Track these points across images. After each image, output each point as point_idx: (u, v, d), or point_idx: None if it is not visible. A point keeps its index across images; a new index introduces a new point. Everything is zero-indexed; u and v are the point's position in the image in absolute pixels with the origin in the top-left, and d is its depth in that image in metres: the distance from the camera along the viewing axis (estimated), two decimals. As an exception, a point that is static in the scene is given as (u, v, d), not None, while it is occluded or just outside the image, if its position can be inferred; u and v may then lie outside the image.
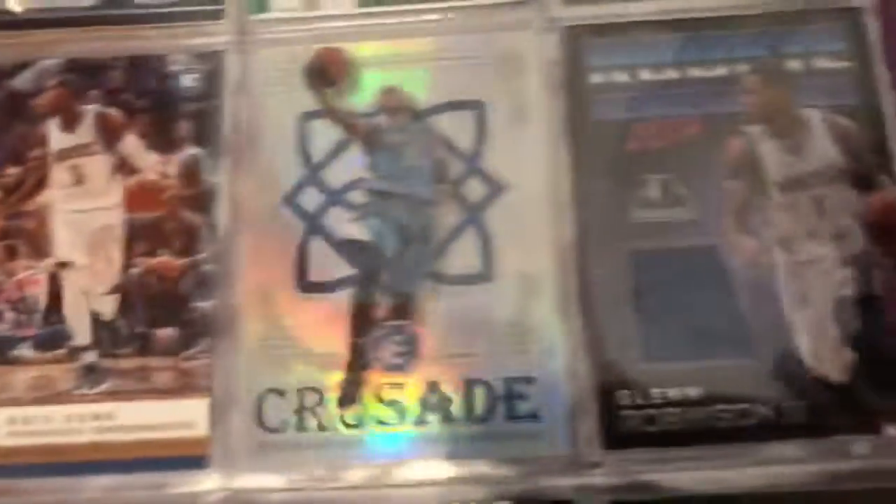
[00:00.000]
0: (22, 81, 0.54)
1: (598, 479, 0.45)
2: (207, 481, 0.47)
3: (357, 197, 0.50)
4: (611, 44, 0.51)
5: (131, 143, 0.52)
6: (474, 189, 0.50)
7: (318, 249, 0.50)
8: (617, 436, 0.46)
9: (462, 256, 0.49)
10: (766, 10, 0.52)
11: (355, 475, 0.46)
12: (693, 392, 0.46)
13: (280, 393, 0.48)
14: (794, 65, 0.51)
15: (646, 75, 0.51)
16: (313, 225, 0.50)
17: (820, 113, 0.50)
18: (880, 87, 0.50)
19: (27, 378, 0.48)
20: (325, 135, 0.51)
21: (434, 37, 0.53)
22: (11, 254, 0.51)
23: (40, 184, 0.52)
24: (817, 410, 0.45)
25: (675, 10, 0.52)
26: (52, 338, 0.49)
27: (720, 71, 0.51)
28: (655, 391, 0.46)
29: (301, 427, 0.47)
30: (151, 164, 0.51)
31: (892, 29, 0.51)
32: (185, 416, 0.47)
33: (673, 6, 0.52)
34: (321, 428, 0.47)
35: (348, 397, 0.47)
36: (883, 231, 0.48)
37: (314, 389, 0.47)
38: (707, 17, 0.51)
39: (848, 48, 0.51)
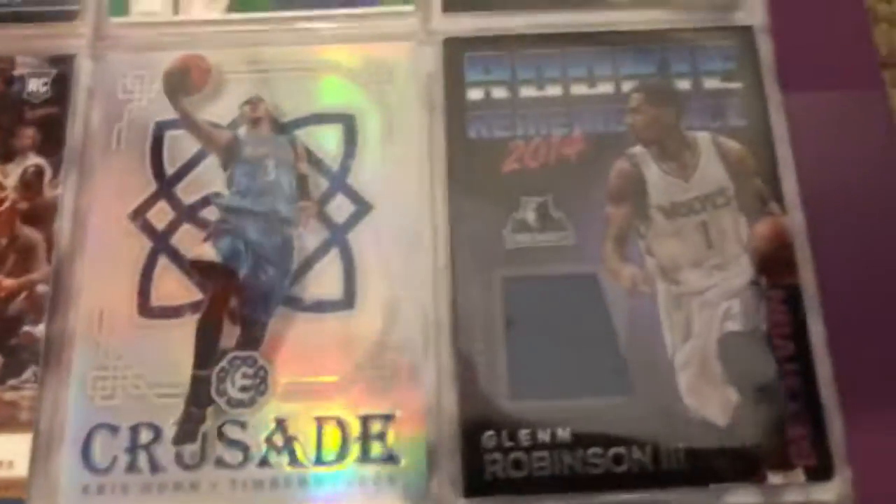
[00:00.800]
0: None
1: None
2: (25, 528, 0.43)
3: (211, 214, 0.46)
4: (491, 58, 0.48)
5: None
6: (339, 208, 0.46)
7: (165, 271, 0.45)
8: (479, 482, 0.41)
9: (322, 281, 0.45)
10: (656, 26, 0.49)
11: (189, 523, 0.43)
12: (564, 434, 0.43)
13: (112, 429, 0.43)
14: (683, 84, 0.48)
15: (527, 91, 0.48)
16: (161, 244, 0.45)
17: (709, 135, 0.47)
18: (771, 109, 0.47)
19: None
20: (181, 147, 0.47)
21: (303, 46, 0.49)
22: None
23: None
24: (697, 455, 0.42)
25: (560, 25, 0.49)
26: None
27: (605, 88, 0.48)
28: (524, 433, 0.42)
29: (132, 468, 0.42)
30: (-14, 174, 0.48)
31: (786, 49, 0.49)
32: (3, 455, 0.42)
33: (559, 20, 0.49)
34: (154, 468, 0.42)
35: (187, 435, 0.42)
36: (771, 261, 0.45)
37: (150, 426, 0.43)
38: (593, 32, 0.48)
39: (738, 68, 0.48)
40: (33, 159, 0.47)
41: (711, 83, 0.48)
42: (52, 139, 0.47)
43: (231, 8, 0.50)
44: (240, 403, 0.43)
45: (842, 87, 0.48)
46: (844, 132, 0.48)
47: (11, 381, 0.44)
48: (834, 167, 0.47)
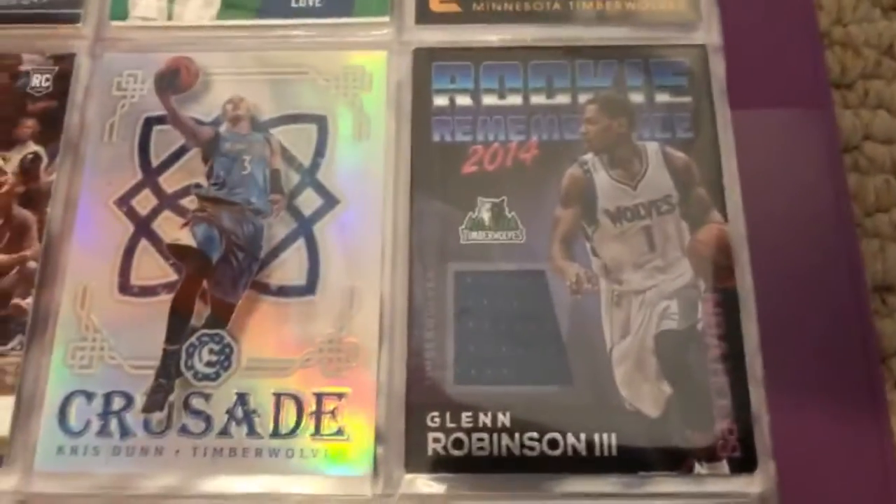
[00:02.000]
0: None
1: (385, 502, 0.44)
2: (3, 483, 0.46)
3: (190, 203, 0.50)
4: (457, 67, 0.52)
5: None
6: (308, 201, 0.50)
7: (145, 253, 0.49)
8: (421, 458, 0.44)
9: (287, 268, 0.48)
10: (617, 42, 0.52)
11: (153, 484, 0.45)
12: (504, 418, 0.45)
13: (88, 395, 0.46)
14: (636, 97, 0.51)
15: (489, 100, 0.51)
16: (143, 228, 0.49)
17: (657, 145, 0.50)
18: (719, 124, 0.50)
19: None
20: (167, 140, 0.51)
21: (284, 51, 0.53)
22: None
23: None
24: (628, 444, 0.44)
25: (525, 39, 0.52)
26: None
27: (563, 99, 0.51)
28: (466, 415, 0.45)
29: (103, 431, 0.45)
30: (-12, 160, 0.52)
31: (738, 67, 0.52)
32: (-12, 415, 0.47)
33: (524, 34, 0.52)
34: (124, 433, 0.45)
35: (155, 403, 0.46)
36: (710, 265, 0.48)
37: (122, 394, 0.46)
38: (555, 47, 0.52)
39: (689, 84, 0.51)
40: (32, 147, 0.52)
41: (663, 97, 0.51)
42: (50, 130, 0.52)
43: (220, 16, 0.54)
44: (205, 377, 0.46)
45: (790, 105, 0.51)
46: (789, 148, 0.50)
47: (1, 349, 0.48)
48: (778, 181, 0.49)
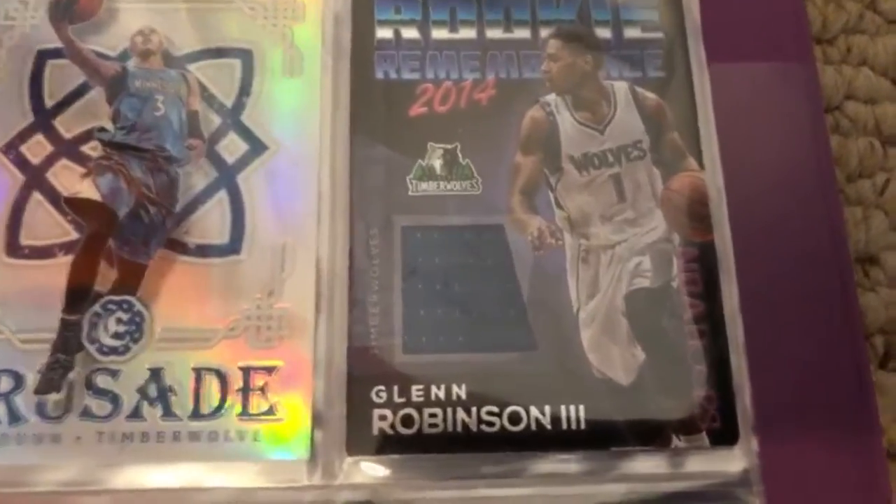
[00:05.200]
0: None
1: (334, 492, 0.39)
2: None
3: (92, 150, 0.43)
4: (399, -5, 0.47)
5: None
6: (231, 147, 0.43)
7: (37, 207, 0.42)
8: (366, 439, 0.39)
9: (207, 224, 0.42)
10: (578, -28, 0.48)
11: (51, 478, 0.38)
12: (459, 390, 0.41)
13: (-30, 376, 0.40)
14: (603, 32, 0.46)
15: (439, 33, 0.46)
16: (35, 179, 0.42)
17: (626, 85, 0.45)
18: (693, 63, 0.45)
19: None
20: (64, 77, 0.44)
21: (203, -25, 0.47)
22: None
23: None
24: (598, 416, 0.40)
25: (478, -34, 0.48)
26: None
27: (522, 33, 0.46)
28: (416, 388, 0.40)
29: (-11, 418, 0.40)
30: None
31: (714, 20, 0.47)
32: None
33: (477, -39, 0.48)
34: (13, 419, 0.39)
35: (51, 384, 0.39)
36: (684, 216, 0.43)
37: (11, 373, 0.39)
38: (512, -25, 0.48)
39: (661, 18, 0.46)
40: None
41: (632, 32, 0.46)
42: (-78, 64, 0.45)
43: (127, -67, 0.47)
44: (112, 351, 0.40)
45: (769, 59, 0.46)
46: (769, 104, 0.45)
47: None
48: (757, 139, 0.44)
